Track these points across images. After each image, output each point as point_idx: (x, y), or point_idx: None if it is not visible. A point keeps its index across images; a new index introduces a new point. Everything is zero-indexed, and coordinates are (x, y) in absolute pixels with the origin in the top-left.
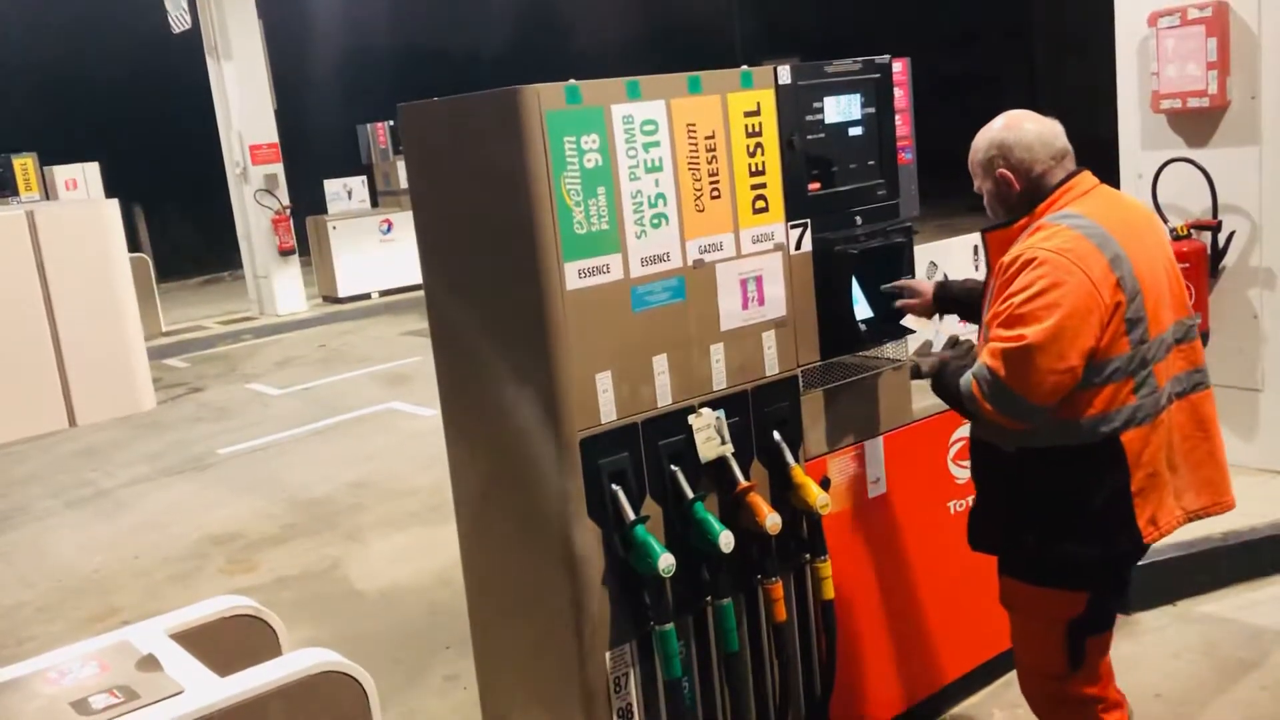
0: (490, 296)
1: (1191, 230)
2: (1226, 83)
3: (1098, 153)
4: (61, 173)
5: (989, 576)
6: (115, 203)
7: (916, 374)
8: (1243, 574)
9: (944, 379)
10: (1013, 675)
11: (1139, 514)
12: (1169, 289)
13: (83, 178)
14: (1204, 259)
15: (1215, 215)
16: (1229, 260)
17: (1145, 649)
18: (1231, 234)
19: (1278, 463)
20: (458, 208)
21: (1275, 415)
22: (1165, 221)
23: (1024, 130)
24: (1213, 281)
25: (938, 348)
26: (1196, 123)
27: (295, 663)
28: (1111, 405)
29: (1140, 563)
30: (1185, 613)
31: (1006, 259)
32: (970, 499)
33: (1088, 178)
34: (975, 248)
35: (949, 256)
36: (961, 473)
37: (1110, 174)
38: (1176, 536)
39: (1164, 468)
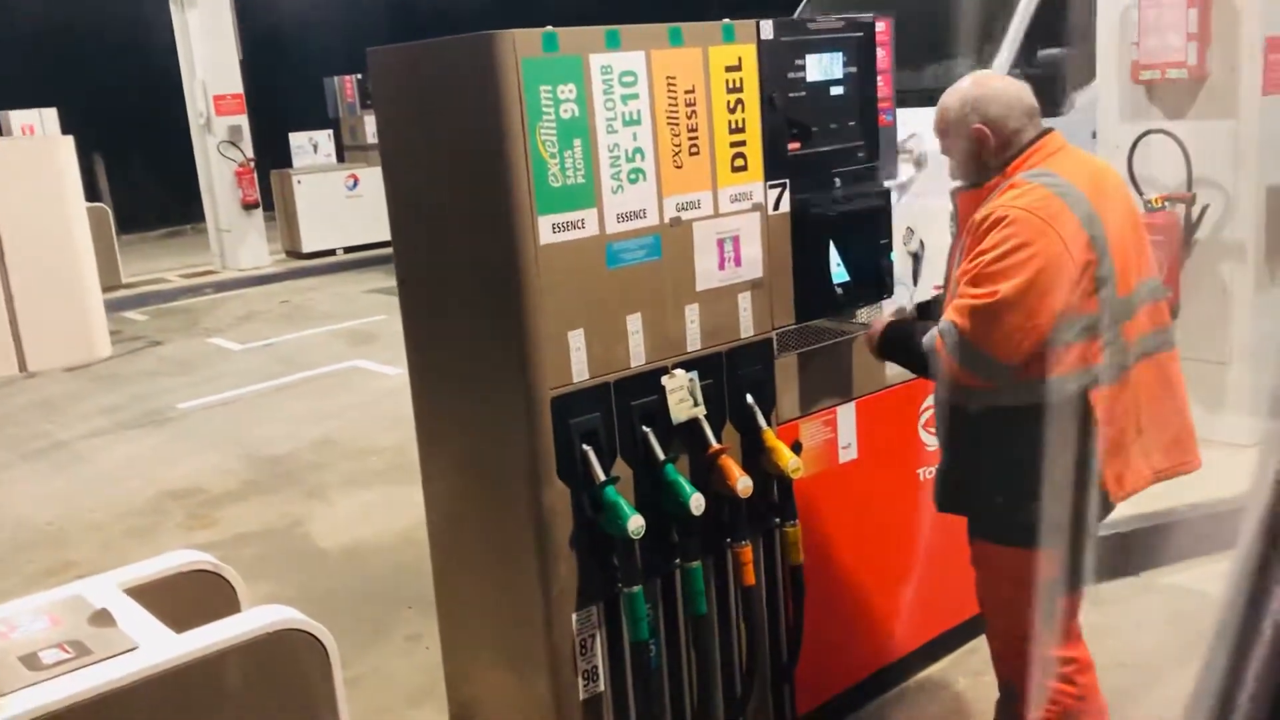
0: (461, 250)
1: (1165, 203)
2: (1206, 54)
3: None
4: (18, 118)
5: (956, 544)
6: (70, 139)
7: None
8: (1207, 546)
9: (895, 338)
10: (977, 642)
11: (1106, 472)
12: (1135, 249)
13: (40, 124)
14: (1177, 232)
15: (1189, 188)
16: (1201, 234)
17: (1110, 619)
18: (1205, 208)
19: (1244, 436)
20: (428, 157)
21: (1242, 389)
22: (1140, 194)
23: (996, 87)
24: (1184, 255)
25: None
26: (1175, 94)
27: (254, 620)
28: (1079, 364)
29: (1106, 533)
30: (1150, 584)
31: (978, 216)
32: None
33: (1057, 137)
34: (952, 212)
35: (928, 221)
36: (932, 439)
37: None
38: (1143, 508)
39: (1130, 427)
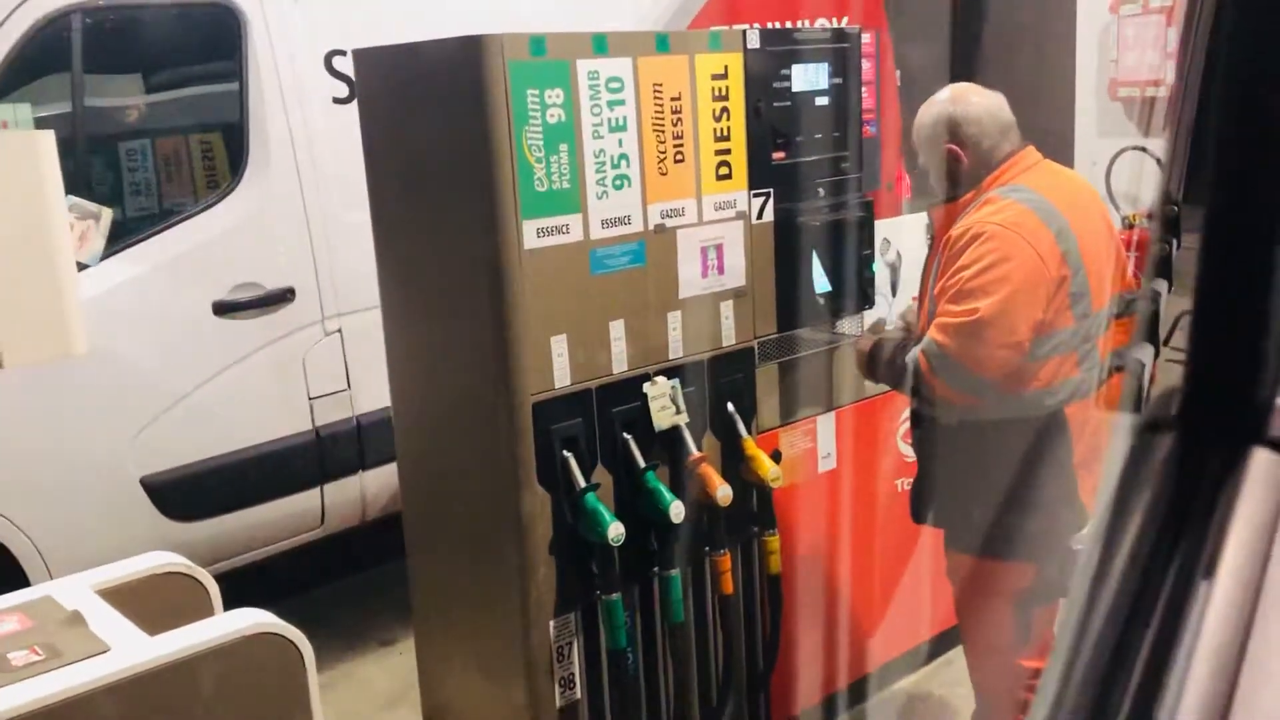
0: (445, 253)
1: (1142, 219)
2: None
3: (1040, 141)
4: None
5: (933, 554)
6: (50, 133)
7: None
8: None
9: (880, 359)
10: (952, 654)
11: (1081, 485)
12: (1110, 263)
13: (14, 120)
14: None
15: None
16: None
17: None
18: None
19: None
20: (413, 159)
21: None
22: (1116, 209)
23: (971, 104)
24: None
25: (891, 326)
26: (1153, 111)
27: (228, 623)
28: (1055, 378)
29: (1083, 546)
30: None
31: (954, 233)
32: None
33: (1032, 153)
34: (928, 225)
35: (901, 234)
36: (911, 450)
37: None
38: None
39: (1106, 439)
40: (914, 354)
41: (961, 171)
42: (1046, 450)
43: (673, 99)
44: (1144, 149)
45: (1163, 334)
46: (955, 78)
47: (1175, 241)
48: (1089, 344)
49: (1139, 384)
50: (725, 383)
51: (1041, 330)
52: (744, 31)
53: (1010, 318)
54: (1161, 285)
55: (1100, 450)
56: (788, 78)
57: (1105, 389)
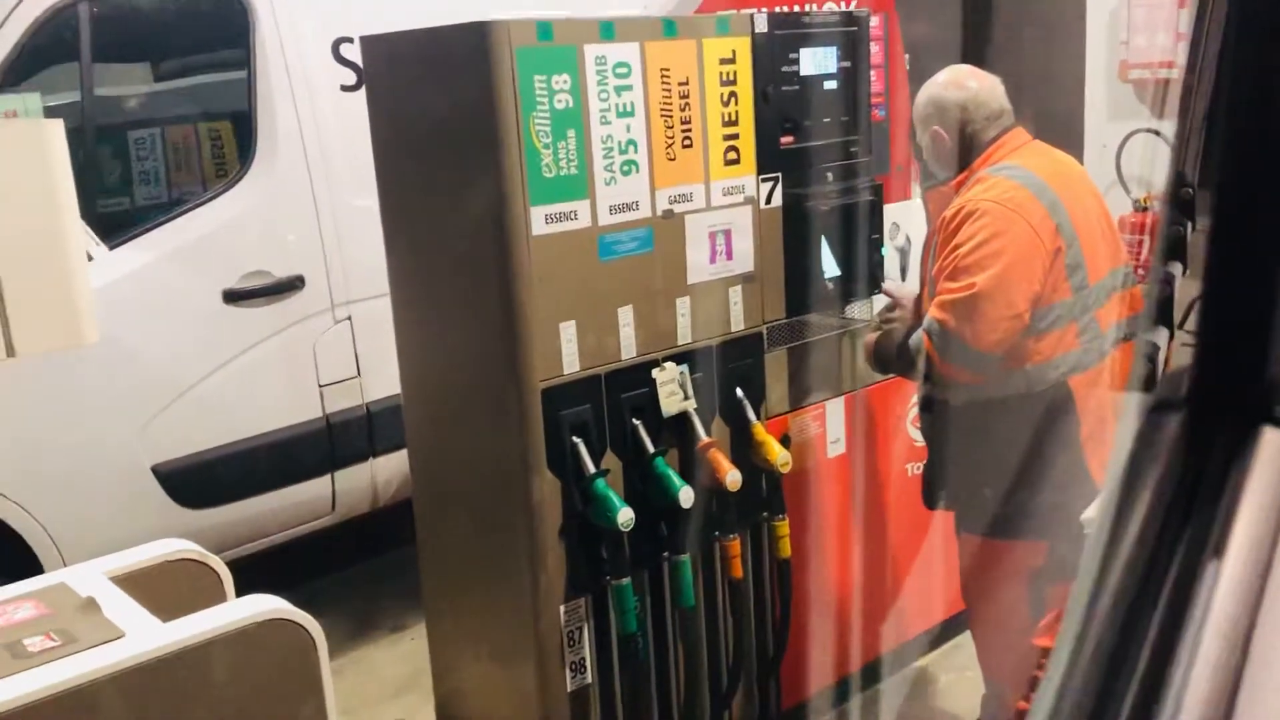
0: (453, 239)
1: (1153, 202)
2: None
3: (1049, 124)
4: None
5: (942, 540)
6: (59, 122)
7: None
8: None
9: (886, 349)
10: (961, 638)
11: (1090, 459)
12: (1103, 238)
13: (23, 110)
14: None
15: None
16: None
17: None
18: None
19: None
20: (421, 146)
21: None
22: (1128, 192)
23: (961, 89)
24: None
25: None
26: (1165, 94)
27: (241, 609)
28: (1056, 351)
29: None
30: None
31: (948, 213)
32: None
33: (1020, 133)
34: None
35: (910, 217)
36: (920, 435)
37: (1067, 145)
38: None
39: (1111, 413)
40: (918, 335)
41: (946, 154)
42: (1053, 425)
43: (680, 84)
44: (1155, 132)
45: (1178, 317)
46: (965, 60)
47: (1190, 224)
48: (1088, 315)
49: (1153, 367)
50: (734, 368)
51: (1040, 302)
52: (752, 15)
53: (1008, 291)
54: (1176, 268)
55: (1106, 423)
56: (796, 61)
57: (1109, 362)
